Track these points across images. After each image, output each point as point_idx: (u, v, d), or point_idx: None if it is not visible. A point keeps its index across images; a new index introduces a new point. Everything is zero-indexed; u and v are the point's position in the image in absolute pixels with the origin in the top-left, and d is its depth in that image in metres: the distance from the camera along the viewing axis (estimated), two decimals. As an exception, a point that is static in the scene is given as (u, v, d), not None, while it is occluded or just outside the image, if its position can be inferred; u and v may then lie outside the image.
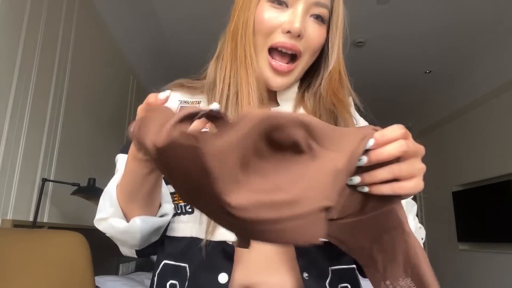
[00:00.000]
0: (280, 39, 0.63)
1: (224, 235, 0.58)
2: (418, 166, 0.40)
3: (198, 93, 0.71)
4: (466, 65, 3.77)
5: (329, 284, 0.59)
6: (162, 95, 0.45)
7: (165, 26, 3.31)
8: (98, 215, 0.61)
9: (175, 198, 0.64)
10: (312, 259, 0.59)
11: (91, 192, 1.99)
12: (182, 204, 0.63)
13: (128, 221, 0.59)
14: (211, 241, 0.59)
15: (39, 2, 1.95)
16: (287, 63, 0.64)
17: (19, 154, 1.80)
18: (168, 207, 0.62)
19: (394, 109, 5.05)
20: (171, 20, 3.23)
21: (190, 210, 0.63)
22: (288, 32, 0.62)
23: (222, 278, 0.57)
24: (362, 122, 0.73)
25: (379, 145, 0.38)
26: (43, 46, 1.98)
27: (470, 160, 4.00)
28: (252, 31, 0.64)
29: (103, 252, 2.79)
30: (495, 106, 3.62)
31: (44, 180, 1.91)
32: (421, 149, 0.41)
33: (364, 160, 0.38)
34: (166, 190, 0.63)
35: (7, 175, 1.71)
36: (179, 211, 0.63)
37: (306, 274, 0.57)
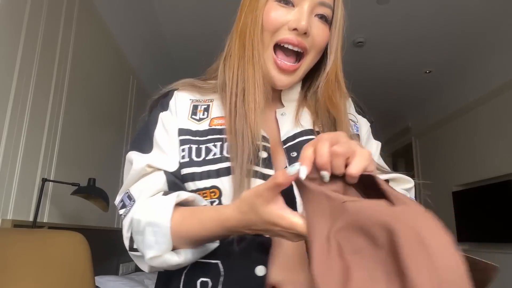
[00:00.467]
0: (287, 35, 0.64)
1: None
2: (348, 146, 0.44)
3: (209, 93, 0.72)
4: (466, 65, 3.77)
5: None
6: (291, 171, 0.43)
7: (165, 26, 3.31)
8: (150, 253, 0.57)
9: (205, 195, 0.62)
10: None
11: (91, 192, 1.99)
12: (209, 200, 0.62)
13: (177, 249, 0.57)
14: (245, 235, 0.57)
15: (39, 2, 1.95)
16: (293, 63, 0.66)
17: (19, 154, 1.80)
18: None
19: (394, 109, 5.05)
20: (171, 20, 3.23)
21: None
22: (295, 29, 0.63)
23: (260, 270, 0.57)
24: (363, 122, 0.74)
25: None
26: (43, 46, 1.98)
27: (470, 160, 3.99)
28: (260, 29, 0.65)
29: (103, 252, 2.79)
30: (495, 106, 3.62)
31: (44, 180, 1.91)
32: (335, 136, 0.45)
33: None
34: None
35: (7, 175, 1.71)
36: None
37: None
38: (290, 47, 0.65)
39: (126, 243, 0.61)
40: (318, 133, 0.67)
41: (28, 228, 1.77)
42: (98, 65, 2.73)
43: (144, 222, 0.57)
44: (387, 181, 0.63)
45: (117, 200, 0.67)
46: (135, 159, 0.65)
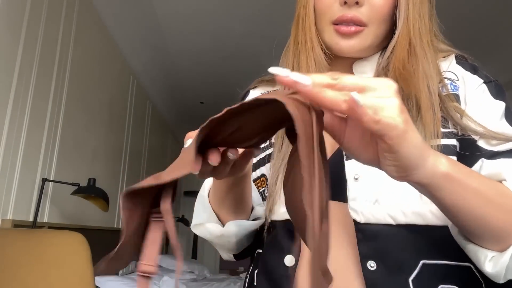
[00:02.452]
0: (339, 12, 0.59)
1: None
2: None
3: (277, 84, 0.70)
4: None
5: (416, 281, 0.49)
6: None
7: (165, 26, 3.31)
8: (194, 221, 0.63)
9: (259, 185, 0.64)
10: (384, 246, 0.51)
11: (91, 192, 1.99)
12: (261, 190, 0.63)
13: (223, 225, 0.61)
14: (276, 221, 0.58)
15: (39, 2, 1.95)
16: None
17: (19, 154, 1.80)
18: (260, 210, 0.62)
19: (394, 109, 5.04)
20: (171, 20, 3.23)
21: (268, 194, 0.63)
22: (345, 3, 0.58)
23: (288, 260, 0.55)
24: (471, 79, 0.59)
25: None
26: (43, 46, 1.98)
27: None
28: (313, 12, 0.62)
29: (103, 252, 2.79)
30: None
31: (44, 180, 1.91)
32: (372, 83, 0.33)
33: None
34: (256, 192, 0.64)
35: (7, 175, 1.71)
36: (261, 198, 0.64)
37: (373, 264, 0.50)
38: (344, 24, 0.59)
39: (194, 230, 0.66)
40: None
41: (28, 228, 1.77)
42: (98, 65, 2.73)
43: (198, 195, 0.64)
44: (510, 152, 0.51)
45: None
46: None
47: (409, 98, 0.55)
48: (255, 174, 0.65)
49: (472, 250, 0.47)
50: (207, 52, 3.63)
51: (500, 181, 0.46)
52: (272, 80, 0.72)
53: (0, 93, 1.67)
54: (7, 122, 1.70)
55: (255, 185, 0.64)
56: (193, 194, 2.07)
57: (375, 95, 0.32)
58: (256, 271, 0.61)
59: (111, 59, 3.00)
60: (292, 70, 0.61)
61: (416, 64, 0.58)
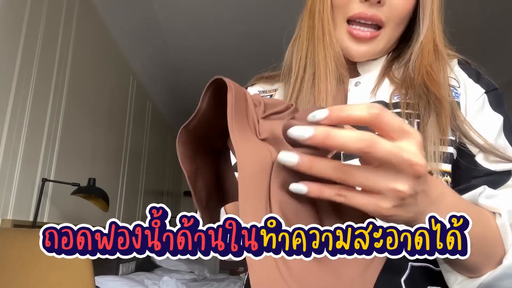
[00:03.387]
0: (358, 9, 0.56)
1: None
2: (387, 181, 0.29)
3: (276, 82, 0.69)
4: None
5: (408, 281, 0.49)
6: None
7: (165, 26, 3.31)
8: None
9: None
10: None
11: (91, 192, 1.99)
12: None
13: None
14: None
15: (39, 2, 1.95)
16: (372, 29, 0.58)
17: (19, 154, 1.80)
18: None
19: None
20: (171, 20, 3.23)
21: None
22: (367, 0, 0.55)
23: None
24: (473, 88, 0.58)
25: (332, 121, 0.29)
26: (43, 46, 1.98)
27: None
28: (330, 5, 0.59)
29: (103, 252, 2.79)
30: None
31: (44, 180, 1.91)
32: (399, 155, 0.28)
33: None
34: None
35: (7, 175, 1.71)
36: None
37: None
38: (362, 21, 0.56)
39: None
40: (395, 105, 0.56)
41: (28, 228, 1.77)
42: (98, 65, 2.73)
43: None
44: (507, 173, 0.51)
45: None
46: None
47: (432, 103, 0.54)
48: None
49: (445, 269, 0.47)
50: (207, 52, 3.63)
51: (494, 213, 0.45)
52: (271, 77, 0.70)
53: (0, 93, 1.67)
54: (7, 122, 1.71)
55: None
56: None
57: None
58: None
59: (111, 59, 3.00)
60: (305, 64, 0.60)
61: (439, 70, 0.57)
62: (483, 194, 0.47)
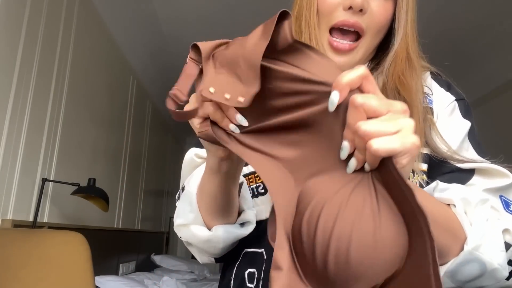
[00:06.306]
0: (341, 17, 0.59)
1: None
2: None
3: None
4: (465, 66, 3.77)
5: None
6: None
7: (165, 26, 3.31)
8: (178, 221, 0.59)
9: (251, 180, 0.62)
10: None
11: (91, 192, 1.99)
12: (254, 186, 0.61)
13: (209, 229, 0.57)
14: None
15: (39, 2, 1.95)
16: (350, 42, 0.61)
17: (19, 154, 1.80)
18: (250, 214, 0.59)
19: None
20: (171, 20, 3.23)
21: (262, 191, 0.61)
22: (350, 8, 0.58)
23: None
24: (444, 96, 0.65)
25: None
26: (43, 46, 1.98)
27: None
28: (316, 12, 0.62)
29: (103, 252, 2.79)
30: (495, 106, 3.62)
31: (44, 180, 1.92)
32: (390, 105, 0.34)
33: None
34: (248, 195, 0.61)
35: (7, 175, 1.71)
36: (251, 194, 0.62)
37: None
38: (345, 28, 0.60)
39: (177, 231, 0.62)
40: None
41: (28, 228, 1.77)
42: (98, 65, 2.73)
43: (183, 193, 0.60)
44: (471, 171, 0.57)
45: (176, 197, 0.67)
46: (188, 152, 0.67)
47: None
48: (247, 169, 0.63)
49: None
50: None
51: (449, 205, 0.50)
52: None
53: (0, 93, 1.67)
54: (7, 122, 1.71)
55: (246, 180, 0.62)
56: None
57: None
58: (248, 270, 0.60)
59: (111, 59, 3.00)
60: None
61: (411, 76, 0.61)
62: (437, 188, 0.52)
